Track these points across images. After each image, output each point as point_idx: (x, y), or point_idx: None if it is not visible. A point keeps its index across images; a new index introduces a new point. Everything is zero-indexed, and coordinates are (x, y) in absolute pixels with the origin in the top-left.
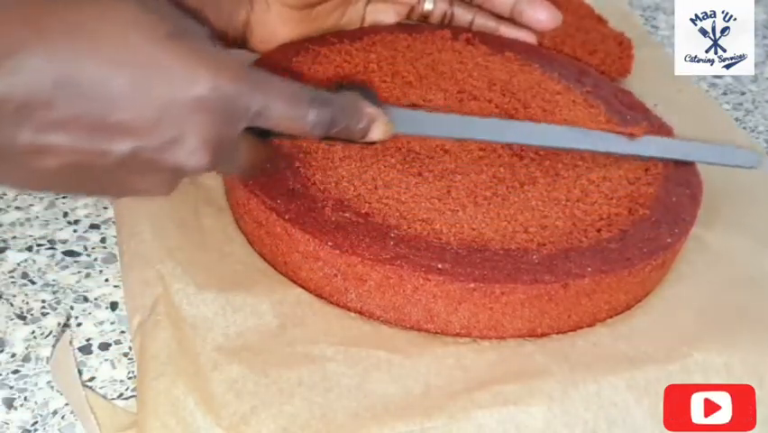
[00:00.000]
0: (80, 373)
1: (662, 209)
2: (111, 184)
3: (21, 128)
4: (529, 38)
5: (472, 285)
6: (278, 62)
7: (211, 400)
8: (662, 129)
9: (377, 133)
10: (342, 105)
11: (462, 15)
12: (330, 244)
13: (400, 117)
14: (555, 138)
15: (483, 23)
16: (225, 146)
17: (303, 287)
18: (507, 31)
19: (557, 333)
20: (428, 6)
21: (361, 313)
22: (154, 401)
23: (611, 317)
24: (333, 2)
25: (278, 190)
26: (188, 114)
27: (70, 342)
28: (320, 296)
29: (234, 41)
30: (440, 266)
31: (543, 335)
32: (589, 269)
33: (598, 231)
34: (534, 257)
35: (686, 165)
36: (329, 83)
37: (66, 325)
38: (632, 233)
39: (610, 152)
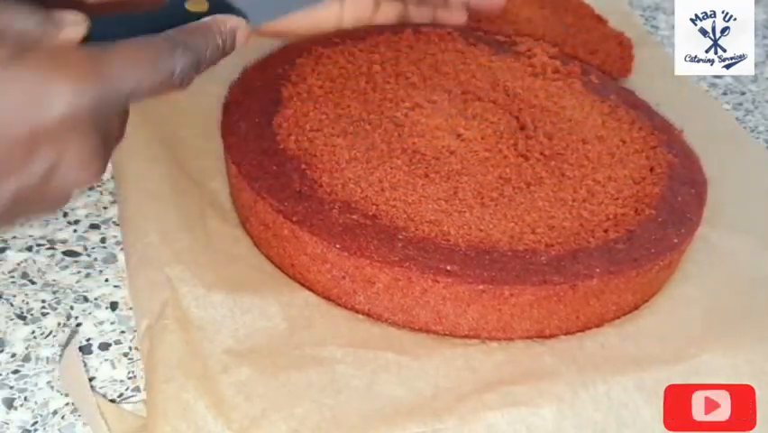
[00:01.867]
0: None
1: (668, 209)
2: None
3: None
4: (460, 19)
5: (481, 287)
6: (280, 63)
7: (221, 403)
8: (668, 128)
9: (241, 40)
10: (199, 37)
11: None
12: (338, 246)
13: (251, 6)
14: None
15: (418, 14)
16: (111, 138)
17: (311, 289)
18: (443, 16)
19: (565, 334)
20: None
21: (369, 315)
22: (164, 405)
23: (619, 317)
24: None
25: (285, 193)
26: (59, 134)
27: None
28: (328, 298)
29: None
30: (448, 268)
31: (551, 335)
32: (597, 270)
33: (606, 231)
34: (543, 258)
35: (690, 163)
36: None
37: (66, 325)
38: (639, 233)
39: None
